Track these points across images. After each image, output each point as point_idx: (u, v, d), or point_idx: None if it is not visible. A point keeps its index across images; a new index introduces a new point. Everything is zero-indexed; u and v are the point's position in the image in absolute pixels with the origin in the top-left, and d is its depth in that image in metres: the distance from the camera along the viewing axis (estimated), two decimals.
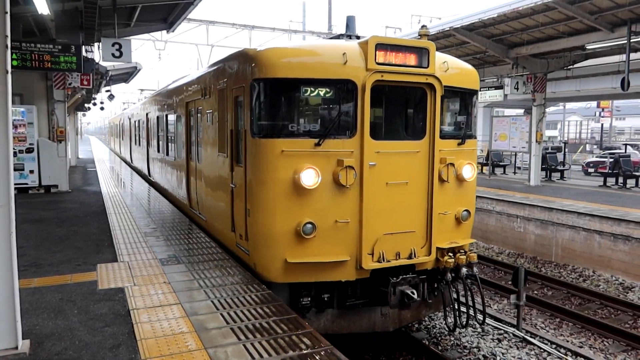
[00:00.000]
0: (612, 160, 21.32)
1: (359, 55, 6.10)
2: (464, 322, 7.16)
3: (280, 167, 5.90)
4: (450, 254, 6.75)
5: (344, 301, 6.40)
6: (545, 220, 14.15)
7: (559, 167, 23.04)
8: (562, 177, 22.92)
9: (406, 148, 6.50)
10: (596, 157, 29.15)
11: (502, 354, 7.86)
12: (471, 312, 7.15)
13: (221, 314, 5.07)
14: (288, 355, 4.21)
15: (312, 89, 6.06)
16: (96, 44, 15.94)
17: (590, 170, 26.44)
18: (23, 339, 4.31)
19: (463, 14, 17.84)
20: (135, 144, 20.71)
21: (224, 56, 7.85)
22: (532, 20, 17.77)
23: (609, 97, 42.01)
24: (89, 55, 15.63)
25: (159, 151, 14.08)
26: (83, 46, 14.00)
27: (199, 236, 8.62)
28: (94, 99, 32.45)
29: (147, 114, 16.43)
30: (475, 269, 6.99)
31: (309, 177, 5.84)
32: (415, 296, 6.27)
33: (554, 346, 8.13)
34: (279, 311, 5.18)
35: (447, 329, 7.73)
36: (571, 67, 22.98)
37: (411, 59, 6.28)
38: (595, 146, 46.89)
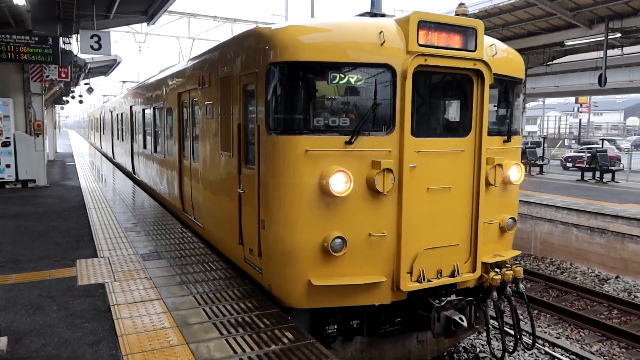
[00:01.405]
0: (589, 155, 21.74)
1: (397, 35, 5.09)
2: (512, 347, 6.39)
3: (304, 170, 4.91)
4: (497, 270, 5.85)
5: (376, 327, 5.51)
6: (525, 214, 14.39)
7: (538, 162, 23.41)
8: (541, 172, 23.31)
9: (449, 147, 5.50)
10: (574, 152, 29.67)
11: (482, 345, 8.00)
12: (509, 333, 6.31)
13: (203, 309, 5.06)
14: (270, 349, 4.22)
15: (342, 75, 5.06)
16: (74, 36, 15.65)
17: (569, 164, 26.91)
18: (1, 336, 4.24)
19: (446, 9, 17.98)
20: (118, 138, 19.44)
21: (228, 39, 6.93)
22: (513, 17, 17.99)
23: (587, 93, 42.83)
24: (67, 47, 15.34)
25: (145, 147, 13.04)
26: (60, 38, 13.74)
27: (181, 231, 8.56)
28: (73, 92, 31.89)
29: (131, 107, 15.36)
30: (521, 286, 6.10)
31: (339, 183, 4.84)
32: (464, 323, 5.36)
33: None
34: (262, 306, 5.19)
35: (492, 357, 7.07)
36: (550, 63, 23.35)
37: (455, 41, 5.28)
38: (573, 141, 47.72)
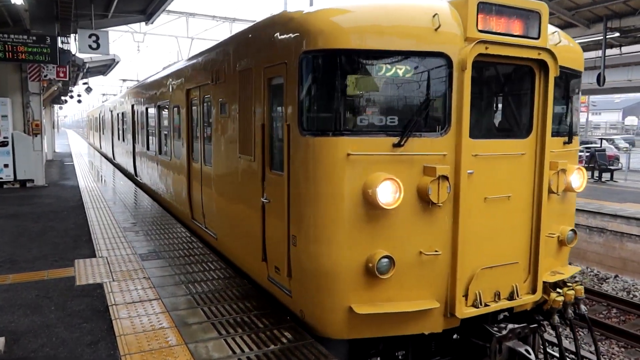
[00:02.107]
0: (588, 154, 21.75)
1: (453, 19, 4.38)
2: None
3: (345, 178, 4.20)
4: (558, 290, 5.15)
5: (424, 359, 4.87)
6: None
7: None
8: None
9: (508, 149, 4.74)
10: None
11: None
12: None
13: (202, 309, 5.04)
14: (269, 349, 4.20)
15: (389, 66, 4.35)
16: (72, 35, 15.62)
17: None
18: None
19: None
20: (119, 139, 18.49)
21: (246, 27, 6.13)
22: None
23: (585, 93, 42.81)
24: (65, 47, 15.31)
25: (148, 149, 12.31)
26: (59, 37, 13.71)
27: (179, 231, 8.54)
28: (71, 91, 31.84)
29: (132, 106, 14.51)
30: (583, 307, 5.38)
31: (387, 193, 4.14)
32: (531, 356, 4.66)
33: None
34: (260, 305, 5.17)
35: None
36: None
37: (516, 27, 4.55)
38: None
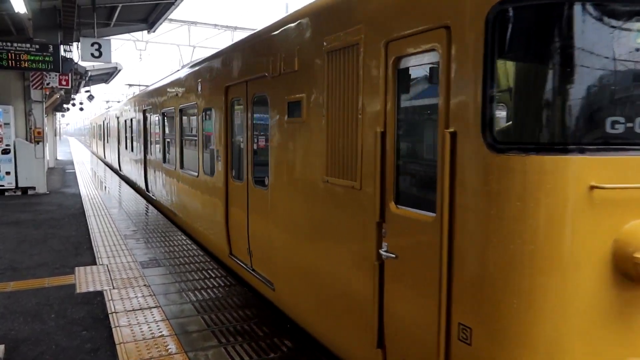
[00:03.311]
0: None
1: None
2: None
3: (585, 230, 2.41)
4: None
5: None
6: None
7: None
8: None
9: None
10: None
11: None
12: None
13: (202, 317, 5.03)
14: (269, 357, 4.19)
15: None
16: (75, 44, 15.71)
17: None
18: None
19: None
20: (126, 148, 16.83)
21: None
22: None
23: None
24: (68, 55, 15.40)
25: (165, 161, 10.61)
26: (61, 46, 13.80)
27: (180, 239, 8.54)
28: (73, 99, 31.95)
29: (144, 111, 12.86)
30: None
31: None
32: None
33: None
34: (261, 314, 5.16)
35: None
36: None
37: None
38: None
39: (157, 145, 11.34)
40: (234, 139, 6.44)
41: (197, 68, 7.98)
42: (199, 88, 7.67)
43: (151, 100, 11.94)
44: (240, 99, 5.98)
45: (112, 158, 22.64)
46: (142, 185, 13.50)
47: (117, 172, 20.62)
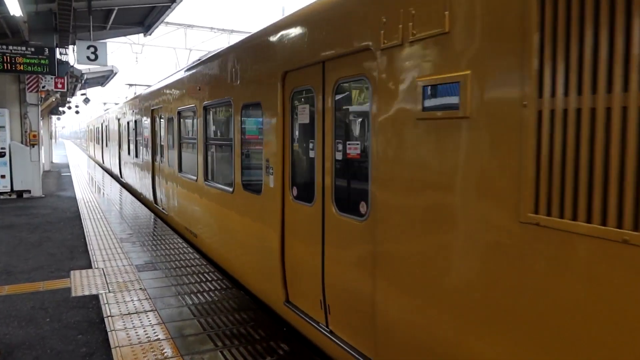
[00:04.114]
0: None
1: None
2: None
3: None
4: None
5: None
6: None
7: None
8: None
9: None
10: None
11: None
12: None
13: (198, 321, 5.01)
14: None
15: None
16: (71, 47, 15.68)
17: None
18: None
19: None
20: (129, 153, 15.34)
21: None
22: None
23: None
24: (64, 58, 15.36)
25: (183, 171, 8.90)
26: (57, 48, 13.76)
27: (176, 242, 8.51)
28: (69, 102, 31.88)
29: (153, 111, 11.31)
30: None
31: None
32: None
33: None
34: (257, 317, 5.15)
35: None
36: None
37: None
38: None
39: (171, 151, 9.68)
40: (297, 144, 4.75)
41: (230, 53, 6.32)
42: (234, 78, 6.03)
43: (163, 98, 10.26)
44: (310, 87, 4.35)
45: (112, 164, 21.16)
46: (149, 196, 11.91)
47: (117, 179, 18.88)
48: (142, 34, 18.64)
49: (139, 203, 12.99)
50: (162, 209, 10.71)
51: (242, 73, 5.80)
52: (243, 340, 4.56)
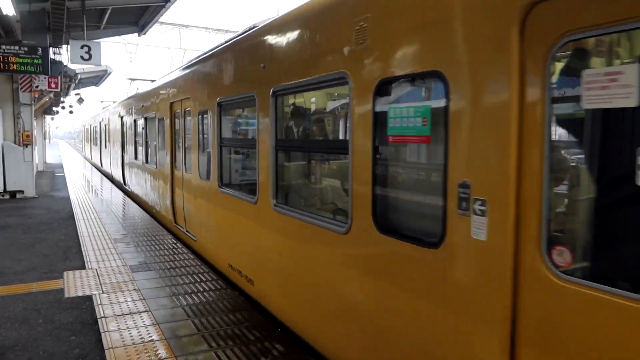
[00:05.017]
0: None
1: None
2: None
3: None
4: None
5: None
6: None
7: None
8: None
9: None
10: None
11: None
12: None
13: (192, 321, 4.99)
14: None
15: None
16: (64, 46, 15.58)
17: None
18: None
19: None
20: (136, 158, 13.34)
21: None
22: None
23: None
24: (57, 58, 15.27)
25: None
26: (50, 48, 13.69)
27: (170, 242, 8.48)
28: (63, 102, 31.70)
29: (173, 105, 9.06)
30: None
31: None
32: None
33: None
34: (251, 318, 5.13)
35: None
36: None
37: None
38: None
39: (203, 158, 7.27)
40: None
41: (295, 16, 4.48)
42: (304, 52, 4.21)
43: (188, 87, 8.03)
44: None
45: (113, 168, 18.62)
46: (167, 214, 9.65)
47: (120, 187, 16.44)
48: (136, 34, 18.57)
49: (137, 206, 12.91)
50: (187, 231, 8.24)
51: (309, 46, 4.08)
52: (237, 341, 4.54)
